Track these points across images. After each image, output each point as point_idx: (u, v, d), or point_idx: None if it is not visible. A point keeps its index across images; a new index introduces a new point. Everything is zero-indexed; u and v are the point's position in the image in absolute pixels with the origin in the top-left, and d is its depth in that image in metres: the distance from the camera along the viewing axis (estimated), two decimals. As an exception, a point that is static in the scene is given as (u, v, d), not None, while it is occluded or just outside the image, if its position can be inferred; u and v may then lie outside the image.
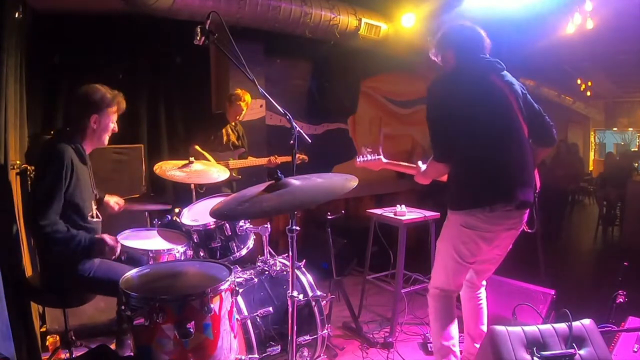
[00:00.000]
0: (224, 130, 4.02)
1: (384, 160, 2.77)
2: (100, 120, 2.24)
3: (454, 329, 2.40)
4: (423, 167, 2.49)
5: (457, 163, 2.27)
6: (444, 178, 2.39)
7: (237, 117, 4.06)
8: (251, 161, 4.06)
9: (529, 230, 2.36)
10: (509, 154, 2.21)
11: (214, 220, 2.50)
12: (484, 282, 2.59)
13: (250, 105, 4.07)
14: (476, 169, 2.21)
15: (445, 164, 2.30)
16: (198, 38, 1.90)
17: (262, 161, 4.08)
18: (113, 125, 2.33)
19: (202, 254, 2.61)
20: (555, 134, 2.42)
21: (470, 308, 2.57)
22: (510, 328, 1.94)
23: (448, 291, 2.40)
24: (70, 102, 2.27)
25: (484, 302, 2.58)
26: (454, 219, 2.29)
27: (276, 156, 4.10)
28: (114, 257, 2.24)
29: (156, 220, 2.85)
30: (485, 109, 2.20)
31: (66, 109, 3.39)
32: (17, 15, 2.73)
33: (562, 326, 1.93)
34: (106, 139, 2.33)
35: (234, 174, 3.93)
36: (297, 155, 4.15)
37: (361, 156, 2.78)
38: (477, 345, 2.47)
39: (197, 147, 3.75)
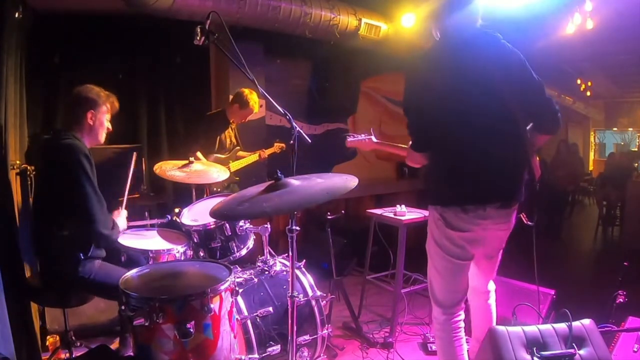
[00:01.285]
0: (226, 133, 3.99)
1: (375, 140, 2.66)
2: (95, 116, 2.27)
3: None
4: None
5: (433, 153, 2.06)
6: None
7: (246, 119, 4.01)
8: (246, 160, 4.03)
9: (528, 223, 2.15)
10: (494, 148, 1.93)
11: (214, 220, 2.50)
12: (492, 287, 2.37)
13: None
14: (450, 163, 1.99)
15: (422, 154, 2.09)
16: (198, 38, 1.90)
17: (255, 157, 4.06)
18: (108, 124, 2.36)
19: (202, 254, 2.61)
20: (560, 120, 2.04)
21: (481, 315, 2.36)
22: (510, 328, 1.94)
23: (451, 307, 2.12)
24: (67, 103, 2.31)
25: (494, 307, 2.37)
26: (433, 215, 2.09)
27: (264, 150, 4.12)
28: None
29: (156, 220, 2.85)
30: (470, 92, 1.91)
31: (65, 111, 3.41)
32: (17, 15, 2.73)
33: (562, 326, 1.93)
34: (103, 136, 2.35)
35: (233, 177, 3.92)
36: (277, 145, 4.18)
37: (352, 135, 2.69)
38: None
39: (199, 155, 3.67)
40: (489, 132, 1.93)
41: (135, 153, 2.79)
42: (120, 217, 2.44)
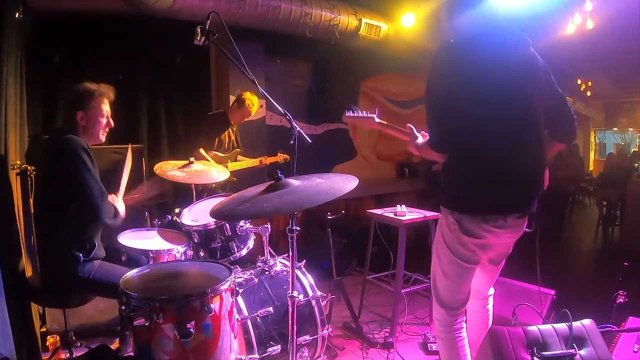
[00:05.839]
0: (227, 132, 4.05)
1: (377, 119, 2.42)
2: (86, 115, 2.19)
3: None
4: (420, 139, 2.18)
5: (454, 154, 1.94)
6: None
7: (243, 120, 4.07)
8: (246, 163, 4.09)
9: (527, 230, 2.13)
10: (519, 155, 1.86)
11: (214, 220, 2.50)
12: (492, 291, 2.35)
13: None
14: (476, 170, 1.88)
15: (440, 154, 1.99)
16: (198, 38, 1.90)
17: (255, 162, 4.13)
18: (105, 120, 2.26)
19: (202, 254, 2.61)
20: (577, 128, 2.06)
21: (478, 319, 2.32)
22: (510, 328, 1.94)
23: (456, 308, 2.11)
24: (62, 103, 2.29)
25: (491, 313, 2.36)
26: (447, 218, 2.02)
27: (266, 157, 4.20)
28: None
29: (156, 220, 2.85)
30: (499, 93, 1.82)
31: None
32: (17, 15, 2.73)
33: (562, 326, 1.93)
34: (101, 134, 2.28)
35: (231, 177, 3.93)
36: (280, 155, 4.30)
37: (350, 111, 2.44)
38: None
39: (201, 151, 3.77)
40: (515, 138, 1.86)
41: (130, 146, 2.78)
42: (118, 202, 2.36)
